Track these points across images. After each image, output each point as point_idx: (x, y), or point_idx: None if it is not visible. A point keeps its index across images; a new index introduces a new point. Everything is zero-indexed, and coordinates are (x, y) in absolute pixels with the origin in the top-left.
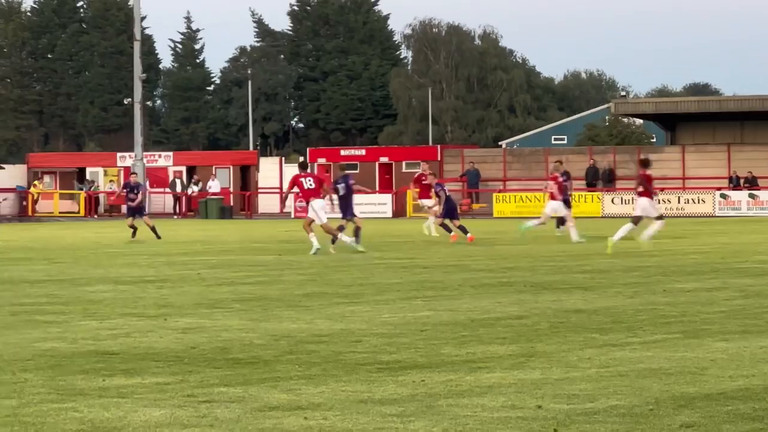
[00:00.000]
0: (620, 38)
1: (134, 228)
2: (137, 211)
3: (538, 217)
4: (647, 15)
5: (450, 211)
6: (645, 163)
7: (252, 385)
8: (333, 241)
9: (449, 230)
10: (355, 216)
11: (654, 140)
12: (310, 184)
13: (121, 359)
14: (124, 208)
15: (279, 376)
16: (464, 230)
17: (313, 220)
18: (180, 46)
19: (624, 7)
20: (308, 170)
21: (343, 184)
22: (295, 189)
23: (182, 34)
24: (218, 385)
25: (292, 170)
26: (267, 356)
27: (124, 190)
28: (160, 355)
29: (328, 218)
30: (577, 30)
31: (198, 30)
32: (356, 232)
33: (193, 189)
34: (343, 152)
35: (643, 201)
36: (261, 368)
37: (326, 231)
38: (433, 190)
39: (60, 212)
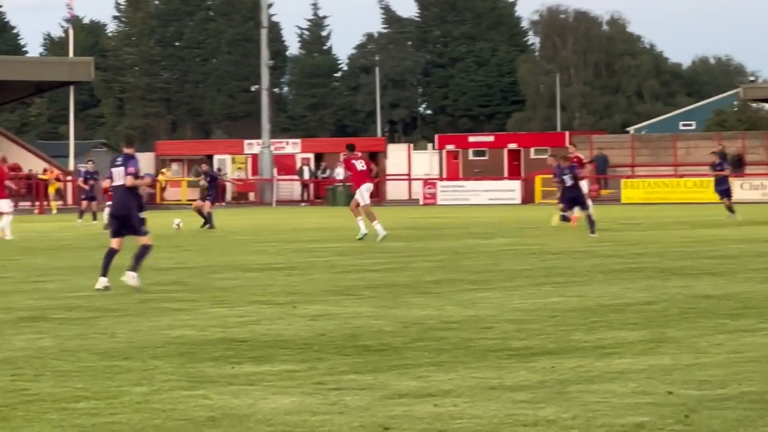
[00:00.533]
0: (749, 23)
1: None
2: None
3: None
4: None
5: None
6: None
7: (381, 372)
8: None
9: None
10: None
11: None
12: (362, 167)
13: (250, 346)
14: (251, 196)
15: (409, 363)
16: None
17: (359, 203)
18: (307, 32)
19: None
20: (354, 152)
21: (569, 174)
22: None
23: (309, 20)
24: (348, 372)
25: (420, 157)
26: (396, 343)
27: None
28: (289, 343)
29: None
30: (705, 15)
31: (325, 17)
32: (589, 221)
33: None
34: (471, 139)
35: None
36: (390, 355)
37: (366, 213)
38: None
39: (187, 200)
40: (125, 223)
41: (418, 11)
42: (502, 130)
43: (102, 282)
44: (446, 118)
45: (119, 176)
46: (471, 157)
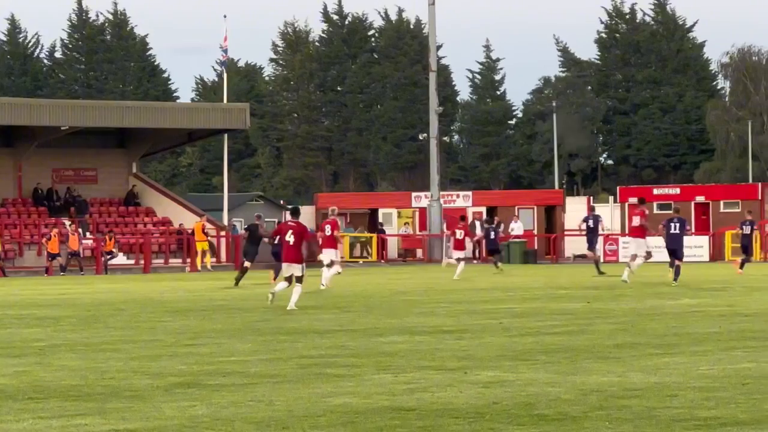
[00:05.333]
0: None
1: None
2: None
3: None
4: None
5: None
6: None
7: None
8: None
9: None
10: None
11: None
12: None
13: (417, 415)
14: (419, 253)
15: None
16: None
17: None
18: (479, 76)
19: None
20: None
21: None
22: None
23: (481, 63)
24: None
25: (600, 211)
26: (575, 412)
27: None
28: (459, 411)
29: None
30: None
31: (498, 59)
32: None
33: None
34: (656, 191)
35: None
36: (568, 425)
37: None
38: None
39: (351, 258)
40: None
41: (599, 53)
42: (689, 182)
43: None
44: (629, 169)
45: None
46: (656, 210)
